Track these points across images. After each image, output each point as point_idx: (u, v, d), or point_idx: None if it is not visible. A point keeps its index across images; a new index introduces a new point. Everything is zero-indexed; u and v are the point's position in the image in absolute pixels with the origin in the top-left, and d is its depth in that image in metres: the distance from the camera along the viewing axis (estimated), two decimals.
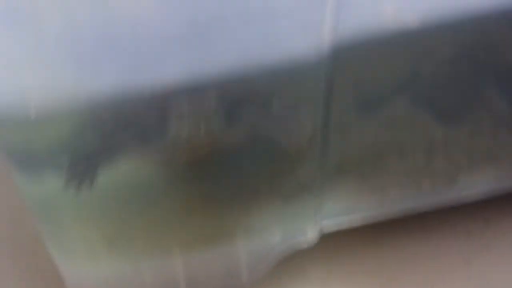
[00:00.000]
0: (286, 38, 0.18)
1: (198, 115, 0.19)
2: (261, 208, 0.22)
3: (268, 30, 0.17)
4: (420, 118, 0.22)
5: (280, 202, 0.22)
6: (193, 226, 0.22)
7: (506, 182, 0.24)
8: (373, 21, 0.19)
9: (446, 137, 0.23)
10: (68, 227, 0.21)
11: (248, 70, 0.18)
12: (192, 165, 0.20)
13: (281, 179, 0.22)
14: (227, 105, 0.19)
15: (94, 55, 0.17)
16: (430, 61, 0.21)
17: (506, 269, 0.24)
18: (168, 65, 0.17)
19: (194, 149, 0.20)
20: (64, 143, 0.19)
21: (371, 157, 0.22)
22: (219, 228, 0.22)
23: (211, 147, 0.20)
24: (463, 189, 0.24)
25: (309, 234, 0.23)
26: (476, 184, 0.24)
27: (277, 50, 0.18)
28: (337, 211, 0.23)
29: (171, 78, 0.18)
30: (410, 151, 0.23)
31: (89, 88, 0.17)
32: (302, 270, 0.25)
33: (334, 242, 0.25)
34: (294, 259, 0.24)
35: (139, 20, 0.16)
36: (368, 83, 0.21)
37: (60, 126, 0.18)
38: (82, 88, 0.17)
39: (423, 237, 0.25)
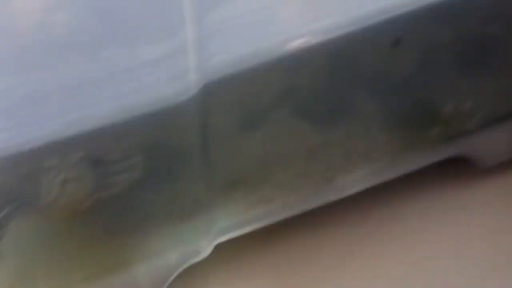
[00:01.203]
0: (153, 89, 0.18)
1: (68, 173, 0.20)
2: (155, 234, 0.23)
3: (136, 83, 0.18)
4: (298, 126, 0.23)
5: (173, 223, 0.23)
6: (93, 260, 0.23)
7: (379, 177, 0.26)
8: (236, 53, 0.20)
9: (323, 141, 0.24)
10: None
11: (121, 122, 0.19)
12: (77, 216, 0.21)
13: (171, 204, 0.23)
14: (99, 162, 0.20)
15: None
16: (300, 76, 0.22)
17: (385, 257, 0.26)
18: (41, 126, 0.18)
19: (73, 205, 0.21)
20: None
21: (256, 170, 0.24)
22: (115, 257, 0.23)
23: (93, 199, 0.20)
24: (342, 187, 0.25)
25: (204, 251, 0.24)
26: (353, 182, 0.26)
27: (147, 99, 0.19)
28: (229, 226, 0.24)
29: (41, 138, 0.18)
30: (291, 159, 0.24)
31: None
32: (203, 277, 0.26)
33: (230, 247, 0.26)
34: (194, 269, 0.25)
35: None
36: (244, 106, 0.22)
37: None
38: None
39: (310, 233, 0.27)
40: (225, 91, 0.20)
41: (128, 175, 0.21)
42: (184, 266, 0.24)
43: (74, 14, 0.16)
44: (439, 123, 0.26)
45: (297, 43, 0.20)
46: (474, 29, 0.24)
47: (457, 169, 0.28)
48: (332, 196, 0.26)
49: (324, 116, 0.24)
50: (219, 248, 0.25)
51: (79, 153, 0.19)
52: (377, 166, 0.26)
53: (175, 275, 0.24)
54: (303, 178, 0.25)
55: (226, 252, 0.25)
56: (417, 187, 0.28)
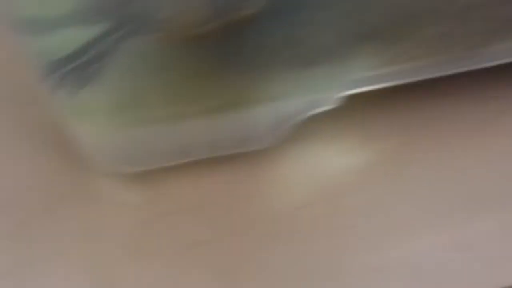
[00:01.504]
0: None
1: None
2: (284, 74, 0.21)
3: None
4: None
5: (303, 70, 0.21)
6: (213, 92, 0.21)
7: None
8: None
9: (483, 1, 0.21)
10: (87, 94, 0.20)
11: None
12: (201, 39, 0.19)
13: (302, 46, 0.21)
14: None
15: None
16: None
17: None
18: None
19: (195, 27, 0.19)
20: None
21: (402, 22, 0.21)
22: (235, 94, 0.22)
23: (215, 23, 0.18)
24: (492, 56, 0.23)
25: (333, 100, 0.22)
26: (507, 49, 0.23)
27: None
28: (364, 79, 0.22)
29: None
30: (443, 15, 0.21)
31: None
32: (322, 128, 0.24)
33: (355, 102, 0.24)
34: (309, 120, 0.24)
35: None
36: None
37: None
38: None
39: (446, 99, 0.25)
40: None
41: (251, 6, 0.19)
42: (308, 114, 0.23)
43: None
44: None
45: None
46: None
47: None
48: (480, 63, 0.23)
49: None
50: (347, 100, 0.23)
51: None
52: None
53: (297, 121, 0.23)
54: (451, 38, 0.22)
55: (343, 109, 0.24)
56: None
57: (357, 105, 0.23)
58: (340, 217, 0.23)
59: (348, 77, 0.22)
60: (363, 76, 0.22)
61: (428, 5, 0.21)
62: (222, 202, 0.23)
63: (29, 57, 0.20)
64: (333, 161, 0.24)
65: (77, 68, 0.19)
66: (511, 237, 0.22)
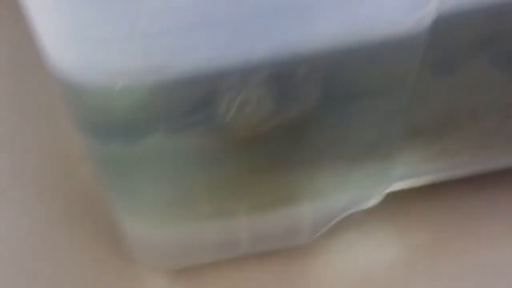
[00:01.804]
0: (388, 13, 0.16)
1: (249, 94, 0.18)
2: (329, 172, 0.22)
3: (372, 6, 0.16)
4: (497, 79, 0.21)
5: (348, 166, 0.22)
6: (259, 189, 0.22)
7: None
8: None
9: None
10: (135, 189, 0.21)
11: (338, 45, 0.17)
12: (256, 138, 0.20)
13: (350, 143, 0.21)
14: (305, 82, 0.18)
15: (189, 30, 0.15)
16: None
17: None
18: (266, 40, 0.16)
19: (248, 128, 0.19)
20: (140, 111, 0.18)
21: (446, 120, 0.22)
22: (285, 191, 0.22)
23: (268, 124, 0.19)
24: None
25: (376, 197, 0.23)
26: None
27: (375, 25, 0.17)
28: (407, 174, 0.23)
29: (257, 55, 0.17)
30: (485, 113, 0.22)
31: (181, 62, 0.16)
32: (357, 223, 0.25)
33: (391, 196, 0.24)
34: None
35: None
36: (450, 47, 0.20)
37: (139, 96, 0.17)
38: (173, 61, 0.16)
39: (483, 194, 0.25)
40: (454, 25, 0.18)
41: (309, 104, 0.19)
42: (352, 211, 0.23)
43: None
44: None
45: None
46: None
47: None
48: None
49: None
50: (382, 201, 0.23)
51: (265, 73, 0.18)
52: None
53: (342, 217, 0.23)
54: (495, 134, 0.23)
55: (387, 204, 0.24)
56: None
57: (392, 199, 0.24)
58: None
59: (393, 174, 0.22)
60: (408, 172, 0.23)
61: (472, 102, 0.22)
62: None
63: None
64: (369, 256, 0.24)
65: None
66: None
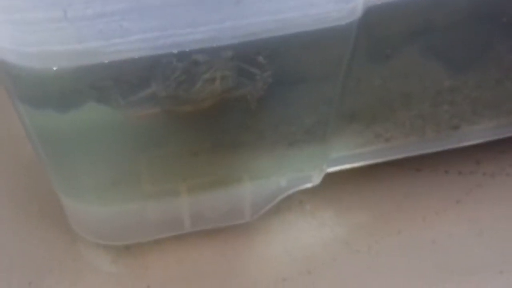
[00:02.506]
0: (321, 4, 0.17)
1: (216, 71, 0.19)
2: (269, 154, 0.22)
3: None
4: (430, 68, 0.22)
5: (287, 149, 0.22)
6: (200, 168, 0.22)
7: (503, 129, 0.25)
8: None
9: (452, 85, 0.23)
10: (75, 165, 0.21)
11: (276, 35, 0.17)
12: (198, 113, 0.20)
13: (289, 126, 0.22)
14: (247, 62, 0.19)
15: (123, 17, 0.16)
16: (443, 13, 0.21)
17: (495, 207, 0.25)
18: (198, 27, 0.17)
19: (204, 100, 0.20)
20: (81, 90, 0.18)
21: (380, 105, 0.23)
22: (225, 171, 0.23)
23: (221, 97, 0.19)
24: (463, 135, 0.24)
25: (314, 178, 0.24)
26: (476, 131, 0.24)
27: (310, 14, 0.17)
28: (343, 157, 0.24)
29: (197, 38, 0.17)
30: (417, 100, 0.23)
31: (116, 47, 0.17)
32: (299, 202, 0.26)
33: (332, 178, 0.25)
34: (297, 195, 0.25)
35: None
36: (384, 37, 0.21)
37: (78, 77, 0.18)
38: (106, 45, 0.17)
39: (417, 176, 0.26)
40: (382, 17, 0.19)
41: (259, 84, 0.20)
42: (291, 191, 0.24)
43: None
44: None
45: None
46: None
47: None
48: (454, 143, 0.24)
49: (459, 60, 0.22)
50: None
51: (229, 53, 0.18)
52: (506, 120, 0.24)
53: (280, 197, 0.24)
54: (426, 120, 0.24)
55: (326, 183, 0.25)
56: None
57: (333, 180, 0.25)
58: None
59: (330, 157, 0.23)
60: (344, 155, 0.24)
61: (403, 90, 0.22)
62: (207, 274, 0.24)
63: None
64: (310, 234, 0.25)
65: None
66: None
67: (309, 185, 0.24)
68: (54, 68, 0.17)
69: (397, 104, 0.23)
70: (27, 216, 0.25)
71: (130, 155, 0.21)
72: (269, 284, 0.24)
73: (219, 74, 0.18)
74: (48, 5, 0.15)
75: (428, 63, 0.22)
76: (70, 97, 0.18)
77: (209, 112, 0.20)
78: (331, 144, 0.23)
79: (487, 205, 0.25)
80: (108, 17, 0.16)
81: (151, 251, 0.24)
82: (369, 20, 0.18)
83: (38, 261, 0.24)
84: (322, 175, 0.24)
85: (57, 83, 0.18)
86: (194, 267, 0.24)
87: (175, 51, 0.17)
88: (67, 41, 0.16)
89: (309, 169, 0.23)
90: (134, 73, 0.18)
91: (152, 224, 0.23)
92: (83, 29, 0.16)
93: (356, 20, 0.18)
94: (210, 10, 0.17)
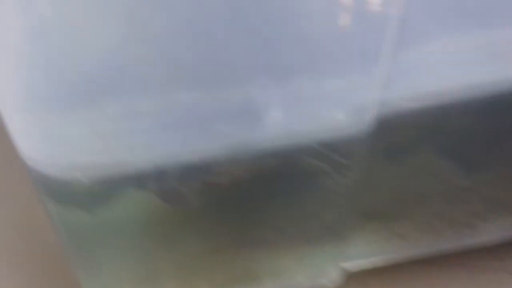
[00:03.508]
0: (332, 118, 0.18)
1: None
2: (286, 251, 0.23)
3: (318, 111, 0.18)
4: (444, 168, 0.23)
5: (305, 245, 0.23)
6: (220, 267, 0.23)
7: None
8: (412, 92, 0.19)
9: (467, 185, 0.23)
10: (99, 263, 0.22)
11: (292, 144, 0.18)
12: (212, 209, 0.21)
13: (307, 222, 0.22)
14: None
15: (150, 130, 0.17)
16: (456, 114, 0.21)
17: None
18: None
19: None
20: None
21: (395, 203, 0.23)
22: (244, 269, 0.23)
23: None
24: (481, 234, 0.24)
25: (333, 275, 0.24)
26: (493, 230, 0.25)
27: (323, 127, 0.18)
28: (360, 254, 0.24)
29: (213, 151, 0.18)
30: (432, 198, 0.23)
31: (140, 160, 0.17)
32: None
33: (356, 279, 0.25)
34: None
35: None
36: (399, 139, 0.21)
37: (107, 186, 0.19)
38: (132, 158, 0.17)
39: (439, 274, 0.26)
40: (395, 128, 0.20)
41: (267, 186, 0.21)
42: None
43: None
44: None
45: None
46: None
47: None
48: (470, 241, 0.25)
49: (471, 160, 0.23)
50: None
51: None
52: None
53: None
54: (441, 219, 0.24)
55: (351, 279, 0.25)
56: None
57: (354, 279, 0.25)
58: None
59: (348, 254, 0.24)
60: (363, 253, 0.24)
61: (419, 189, 0.23)
62: None
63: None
64: None
65: None
66: None
67: (328, 283, 0.24)
68: (84, 180, 0.18)
69: (412, 202, 0.23)
70: None
71: (155, 252, 0.22)
72: None
73: None
74: (79, 122, 0.16)
75: (441, 163, 0.22)
76: (98, 200, 0.19)
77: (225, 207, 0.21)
78: (346, 242, 0.23)
79: None
80: (134, 133, 0.17)
81: None
82: (385, 125, 0.19)
83: None
84: (340, 273, 0.24)
85: (87, 191, 0.18)
86: None
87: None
88: (96, 154, 0.17)
89: (326, 266, 0.24)
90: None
91: None
92: (111, 143, 0.17)
93: (371, 127, 0.19)
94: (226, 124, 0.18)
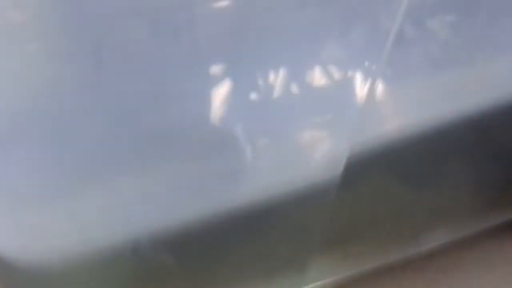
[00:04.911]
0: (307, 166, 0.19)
1: None
2: (246, 284, 0.24)
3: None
4: (395, 188, 0.24)
5: (264, 279, 0.24)
6: None
7: (457, 234, 0.27)
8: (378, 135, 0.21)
9: (412, 200, 0.25)
10: None
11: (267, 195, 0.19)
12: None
13: (265, 258, 0.23)
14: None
15: None
16: (410, 145, 0.23)
17: None
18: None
19: None
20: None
21: (352, 227, 0.24)
22: None
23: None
24: (424, 243, 0.26)
25: None
26: (434, 238, 0.26)
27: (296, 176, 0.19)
28: (319, 278, 0.25)
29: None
30: (384, 217, 0.25)
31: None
32: None
33: None
34: None
35: None
36: (365, 176, 0.23)
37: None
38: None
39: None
40: (362, 168, 0.21)
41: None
42: None
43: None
44: None
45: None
46: None
47: None
48: (413, 250, 0.26)
49: (418, 179, 0.25)
50: None
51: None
52: (458, 223, 0.27)
53: None
54: (390, 235, 0.26)
55: None
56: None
57: None
58: None
59: (306, 280, 0.25)
60: (319, 274, 0.25)
61: (373, 211, 0.24)
62: None
63: None
64: None
65: None
66: None
67: None
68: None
69: (366, 224, 0.25)
70: None
71: None
72: None
73: None
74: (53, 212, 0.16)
75: (393, 185, 0.24)
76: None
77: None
78: (307, 266, 0.24)
79: None
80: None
81: None
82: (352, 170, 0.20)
83: None
84: None
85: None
86: None
87: None
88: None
89: None
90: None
91: None
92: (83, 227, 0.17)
93: (339, 173, 0.20)
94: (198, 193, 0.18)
